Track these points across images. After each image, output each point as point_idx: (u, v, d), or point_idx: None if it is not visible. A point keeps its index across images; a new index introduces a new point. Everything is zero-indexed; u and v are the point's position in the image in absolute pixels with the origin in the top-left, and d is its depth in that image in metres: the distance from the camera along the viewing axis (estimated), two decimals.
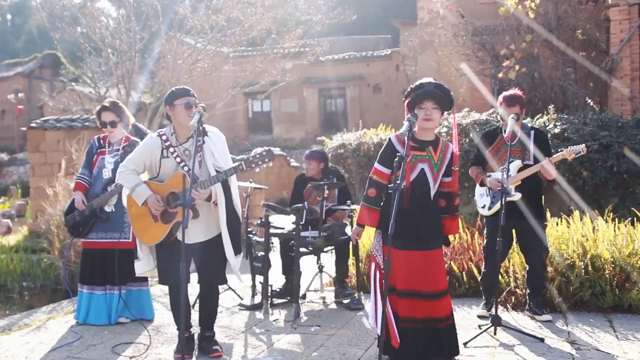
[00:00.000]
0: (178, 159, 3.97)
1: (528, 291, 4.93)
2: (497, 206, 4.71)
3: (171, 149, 3.98)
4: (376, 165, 3.84)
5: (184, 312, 3.72)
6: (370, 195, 3.80)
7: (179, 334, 4.12)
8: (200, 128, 3.85)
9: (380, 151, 3.90)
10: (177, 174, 3.94)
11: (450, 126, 8.53)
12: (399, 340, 3.62)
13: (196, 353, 4.20)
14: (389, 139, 3.86)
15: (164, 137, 4.01)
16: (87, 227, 5.00)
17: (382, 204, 3.79)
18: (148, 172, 4.12)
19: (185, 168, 3.93)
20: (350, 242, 5.57)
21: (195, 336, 4.29)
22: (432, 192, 3.75)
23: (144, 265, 4.19)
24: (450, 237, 5.76)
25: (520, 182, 4.71)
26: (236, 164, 3.87)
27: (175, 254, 3.90)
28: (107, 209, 4.97)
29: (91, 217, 4.97)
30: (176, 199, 3.91)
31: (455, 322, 3.83)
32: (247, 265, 5.80)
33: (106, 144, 5.12)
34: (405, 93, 3.83)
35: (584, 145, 4.70)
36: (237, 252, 4.03)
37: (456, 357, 3.84)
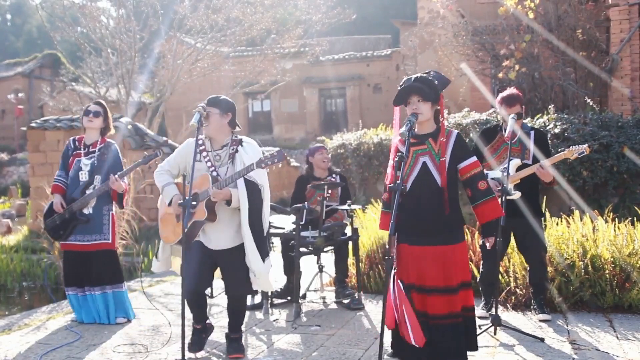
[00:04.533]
0: (209, 164, 4.05)
1: (532, 290, 4.94)
2: None
3: (204, 154, 4.07)
4: (388, 169, 3.86)
5: (183, 312, 3.72)
6: (384, 200, 3.87)
7: (193, 323, 4.20)
8: (200, 127, 3.88)
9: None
10: (202, 176, 3.99)
11: (449, 126, 8.52)
12: (424, 339, 3.49)
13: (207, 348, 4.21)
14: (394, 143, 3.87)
15: (199, 142, 4.07)
16: (68, 230, 4.99)
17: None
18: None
19: (214, 173, 4.01)
20: (350, 242, 5.58)
21: (209, 326, 4.34)
22: (440, 182, 3.61)
23: (160, 265, 4.33)
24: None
25: (519, 181, 4.72)
26: (248, 164, 3.90)
27: (197, 260, 3.97)
28: (86, 211, 4.97)
29: (71, 219, 4.96)
30: (197, 200, 3.95)
31: (465, 324, 3.62)
32: None
33: (81, 146, 5.10)
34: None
35: (586, 145, 4.69)
36: (263, 256, 4.03)
37: None
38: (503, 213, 3.91)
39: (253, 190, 3.97)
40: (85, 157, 5.04)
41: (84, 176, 4.99)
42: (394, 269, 3.67)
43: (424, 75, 3.70)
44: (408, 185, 3.67)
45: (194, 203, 3.89)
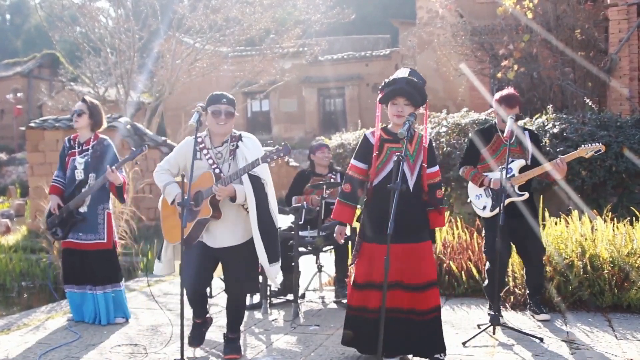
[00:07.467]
0: (210, 161, 4.02)
1: (528, 291, 4.92)
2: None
3: (204, 151, 4.04)
4: (352, 160, 3.91)
5: (183, 313, 3.73)
6: (344, 191, 3.88)
7: (193, 317, 4.22)
8: (199, 127, 3.89)
9: (357, 147, 3.95)
10: (205, 173, 3.97)
11: (448, 126, 8.52)
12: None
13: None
14: (364, 135, 3.93)
15: (199, 139, 4.04)
16: (67, 229, 5.00)
17: (357, 200, 3.85)
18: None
19: (217, 170, 3.98)
20: (350, 242, 5.57)
21: (210, 320, 4.40)
22: (411, 184, 3.73)
23: (164, 268, 4.29)
24: (450, 237, 5.86)
25: (524, 182, 4.69)
26: (251, 159, 3.89)
27: (197, 260, 3.96)
28: (82, 209, 4.97)
29: (69, 218, 4.97)
30: (201, 198, 3.94)
31: (440, 319, 3.79)
32: None
33: (75, 144, 5.11)
34: (380, 87, 3.85)
35: (601, 143, 4.66)
36: (273, 259, 3.98)
37: (448, 356, 3.84)
38: (445, 224, 4.05)
39: (257, 185, 3.94)
40: (79, 155, 5.04)
41: (79, 175, 5.00)
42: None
43: (414, 80, 3.73)
44: (378, 179, 3.75)
45: (192, 203, 3.89)
